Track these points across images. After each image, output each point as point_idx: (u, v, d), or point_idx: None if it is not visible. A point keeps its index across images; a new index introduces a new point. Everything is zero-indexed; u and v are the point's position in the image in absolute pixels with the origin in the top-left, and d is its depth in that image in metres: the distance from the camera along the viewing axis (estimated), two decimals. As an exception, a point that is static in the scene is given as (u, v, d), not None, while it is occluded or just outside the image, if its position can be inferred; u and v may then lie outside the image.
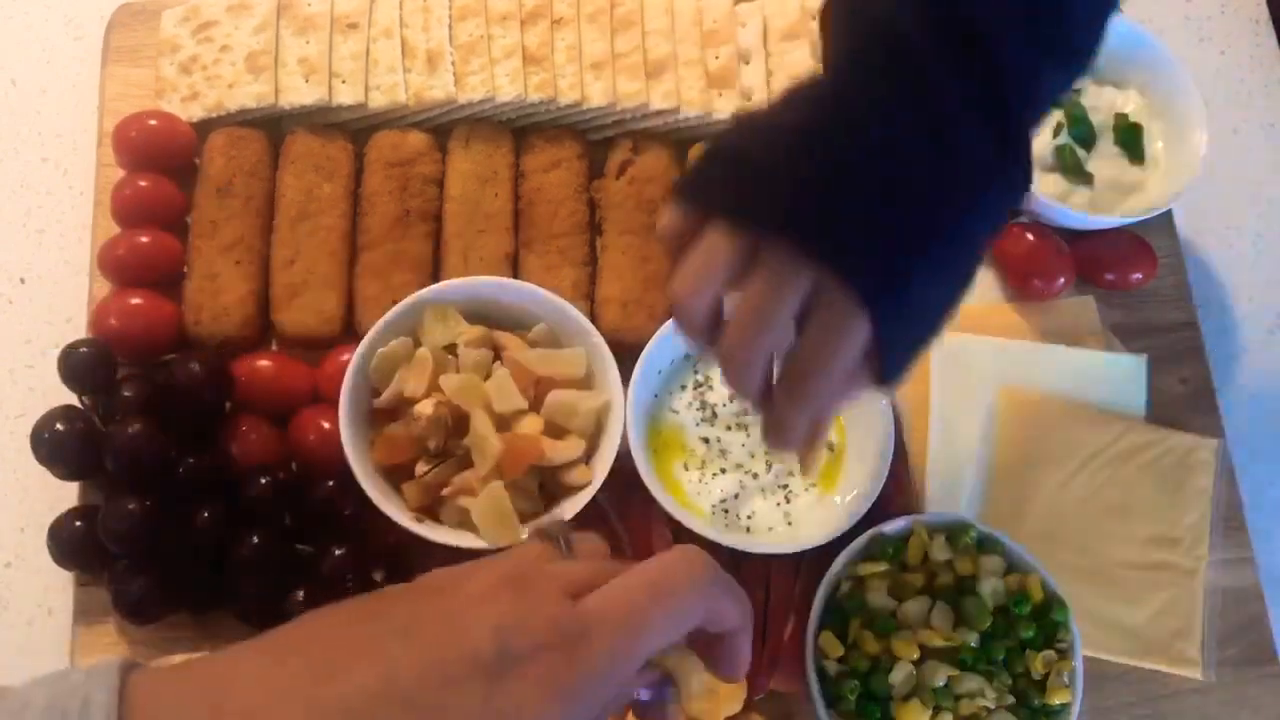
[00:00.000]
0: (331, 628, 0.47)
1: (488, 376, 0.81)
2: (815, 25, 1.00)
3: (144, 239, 0.89)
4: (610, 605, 0.46)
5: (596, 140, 0.98)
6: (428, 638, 0.44)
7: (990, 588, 0.79)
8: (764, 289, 0.54)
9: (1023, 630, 0.78)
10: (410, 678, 0.43)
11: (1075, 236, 0.96)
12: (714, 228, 0.56)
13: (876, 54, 0.56)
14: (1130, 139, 0.98)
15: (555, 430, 0.81)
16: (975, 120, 0.55)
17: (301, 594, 0.78)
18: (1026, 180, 0.58)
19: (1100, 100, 0.99)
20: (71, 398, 0.84)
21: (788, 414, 0.58)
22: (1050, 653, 0.78)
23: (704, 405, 0.87)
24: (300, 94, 0.93)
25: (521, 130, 0.97)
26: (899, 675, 0.76)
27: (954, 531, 0.81)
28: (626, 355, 0.84)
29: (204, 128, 0.94)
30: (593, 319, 0.88)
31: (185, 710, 0.43)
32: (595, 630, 0.45)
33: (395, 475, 0.81)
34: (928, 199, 0.54)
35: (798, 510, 0.85)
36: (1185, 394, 0.96)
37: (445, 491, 0.79)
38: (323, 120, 0.95)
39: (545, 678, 0.44)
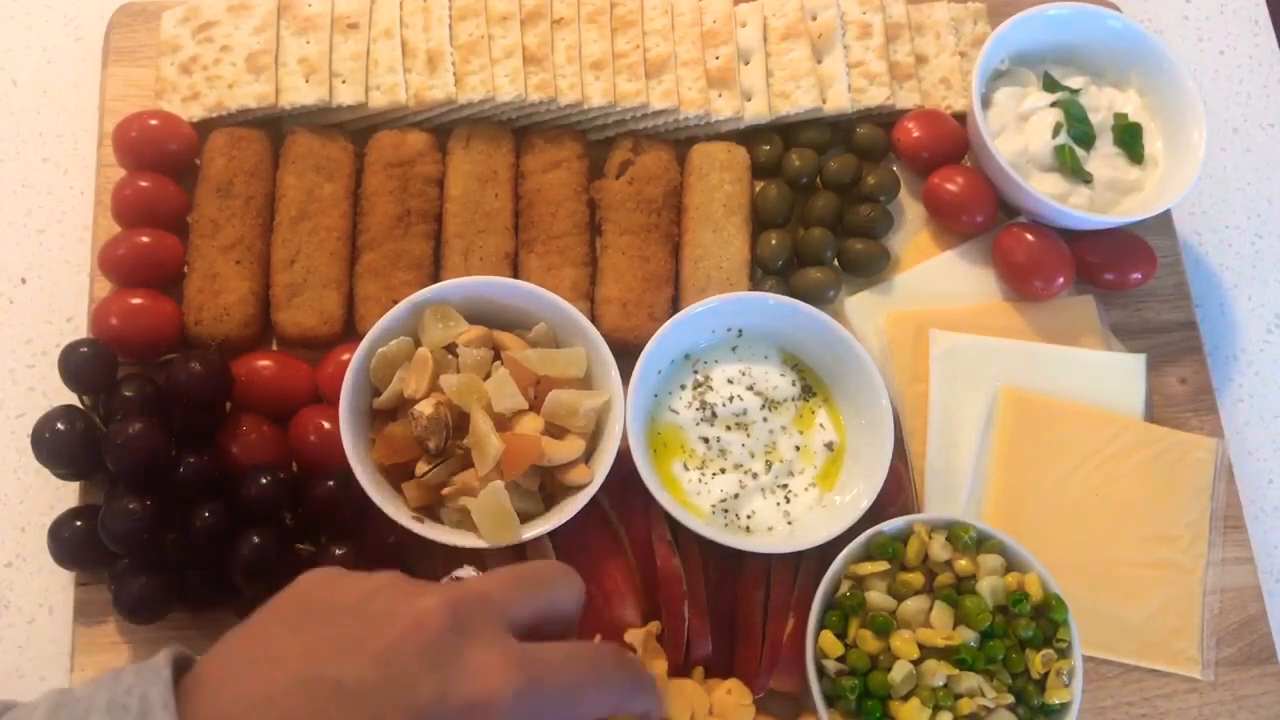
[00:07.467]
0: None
1: (488, 376, 0.81)
2: (815, 25, 1.00)
3: (144, 239, 0.89)
4: (562, 665, 0.51)
5: (596, 140, 0.99)
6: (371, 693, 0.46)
7: (989, 587, 0.79)
8: None
9: (1022, 629, 0.78)
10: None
11: (1075, 236, 0.96)
12: None
13: None
14: (1130, 139, 0.98)
15: (555, 430, 0.81)
16: None
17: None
18: None
19: (1100, 100, 0.99)
20: (71, 398, 0.84)
21: None
22: (1050, 652, 0.78)
23: (704, 405, 0.87)
24: (301, 94, 0.93)
25: (522, 130, 0.97)
26: (898, 674, 0.76)
27: (954, 531, 0.81)
28: (626, 355, 0.84)
29: (204, 128, 0.94)
30: (593, 319, 0.88)
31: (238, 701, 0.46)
32: (548, 682, 0.49)
33: (395, 475, 0.81)
34: None
35: (797, 510, 0.85)
36: (1184, 393, 0.97)
37: (445, 491, 0.79)
38: (323, 120, 0.95)
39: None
